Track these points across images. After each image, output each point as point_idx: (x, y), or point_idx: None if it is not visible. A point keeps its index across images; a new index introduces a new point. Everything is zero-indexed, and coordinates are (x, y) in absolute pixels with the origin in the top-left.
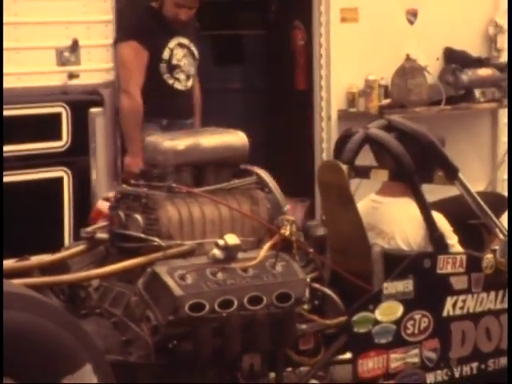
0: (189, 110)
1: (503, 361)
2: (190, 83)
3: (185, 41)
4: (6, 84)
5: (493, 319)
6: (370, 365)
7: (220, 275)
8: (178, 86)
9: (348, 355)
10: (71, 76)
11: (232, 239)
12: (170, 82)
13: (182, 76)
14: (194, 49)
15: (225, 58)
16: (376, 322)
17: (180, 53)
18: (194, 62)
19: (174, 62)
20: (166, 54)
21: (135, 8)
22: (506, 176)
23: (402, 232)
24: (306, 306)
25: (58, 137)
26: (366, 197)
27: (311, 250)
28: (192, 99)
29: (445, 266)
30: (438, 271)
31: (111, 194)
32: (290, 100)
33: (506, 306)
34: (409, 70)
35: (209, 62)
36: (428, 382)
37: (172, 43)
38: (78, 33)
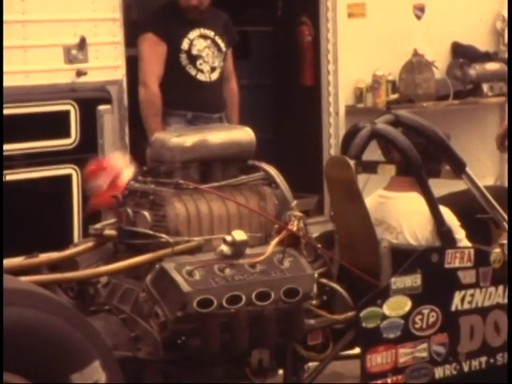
0: (216, 104)
1: None
2: (215, 75)
3: (209, 32)
4: (13, 82)
5: (501, 313)
6: (379, 360)
7: (228, 271)
8: (202, 77)
9: (356, 350)
10: (79, 73)
11: (239, 235)
12: (193, 72)
13: (205, 67)
14: (219, 41)
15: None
16: (384, 317)
17: (202, 43)
18: (219, 53)
19: (195, 52)
20: (184, 45)
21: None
22: None
23: (410, 227)
24: (314, 302)
25: (67, 134)
26: (374, 192)
27: (319, 246)
28: (220, 93)
29: (453, 260)
30: (446, 266)
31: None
32: (298, 96)
33: None
34: (416, 65)
35: None
36: (437, 376)
37: (192, 34)
38: (86, 30)
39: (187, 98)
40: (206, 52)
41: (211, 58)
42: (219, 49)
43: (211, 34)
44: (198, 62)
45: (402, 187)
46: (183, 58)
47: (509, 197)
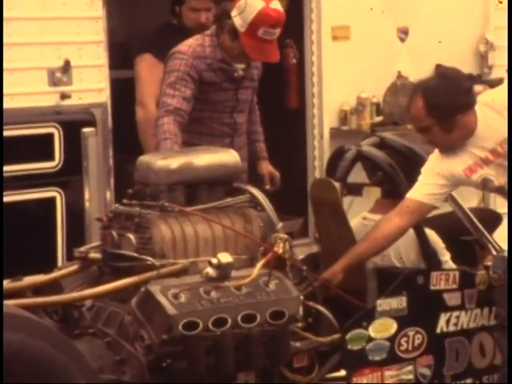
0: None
1: (497, 377)
2: None
3: None
4: None
5: (486, 335)
6: (365, 382)
7: (213, 294)
8: None
9: (342, 372)
10: (63, 96)
11: (225, 257)
12: None
13: None
14: None
15: None
16: (370, 339)
17: None
18: None
19: None
20: None
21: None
22: None
23: (395, 249)
24: (299, 324)
25: (51, 157)
26: (358, 215)
27: (304, 268)
28: None
29: (438, 282)
30: (432, 288)
31: None
32: (282, 118)
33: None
34: (400, 88)
35: None
36: None
37: None
38: (70, 53)
39: None
40: None
41: None
42: None
43: None
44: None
45: (386, 210)
46: None
47: (509, 196)
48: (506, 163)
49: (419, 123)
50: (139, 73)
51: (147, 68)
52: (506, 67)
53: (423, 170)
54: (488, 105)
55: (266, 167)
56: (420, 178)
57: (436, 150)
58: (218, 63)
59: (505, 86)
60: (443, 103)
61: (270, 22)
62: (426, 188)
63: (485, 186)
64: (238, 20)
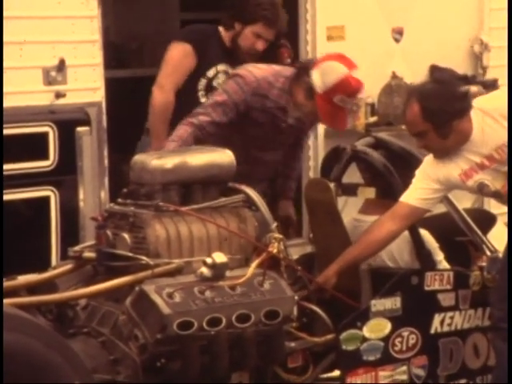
0: None
1: (491, 377)
2: None
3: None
4: None
5: (480, 336)
6: (359, 382)
7: (208, 293)
8: None
9: (336, 373)
10: (58, 95)
11: (220, 257)
12: (202, 100)
13: None
14: None
15: None
16: (364, 339)
17: (223, 79)
18: None
19: (215, 83)
20: (210, 72)
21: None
22: None
23: (388, 250)
24: (294, 324)
25: (45, 156)
26: (350, 216)
27: (299, 268)
28: None
29: (432, 282)
30: (426, 288)
31: None
32: None
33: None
34: (395, 88)
35: None
36: None
37: (221, 66)
38: (65, 52)
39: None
40: None
41: None
42: None
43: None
44: (211, 94)
45: (378, 211)
46: (202, 82)
47: (509, 197)
48: (504, 169)
49: (415, 128)
50: (171, 57)
51: (182, 56)
52: (506, 67)
53: (417, 173)
54: (483, 110)
55: (285, 209)
56: (414, 181)
57: (430, 154)
58: (276, 110)
59: (499, 92)
60: (439, 108)
61: (350, 91)
62: (420, 192)
63: (481, 190)
64: (318, 81)
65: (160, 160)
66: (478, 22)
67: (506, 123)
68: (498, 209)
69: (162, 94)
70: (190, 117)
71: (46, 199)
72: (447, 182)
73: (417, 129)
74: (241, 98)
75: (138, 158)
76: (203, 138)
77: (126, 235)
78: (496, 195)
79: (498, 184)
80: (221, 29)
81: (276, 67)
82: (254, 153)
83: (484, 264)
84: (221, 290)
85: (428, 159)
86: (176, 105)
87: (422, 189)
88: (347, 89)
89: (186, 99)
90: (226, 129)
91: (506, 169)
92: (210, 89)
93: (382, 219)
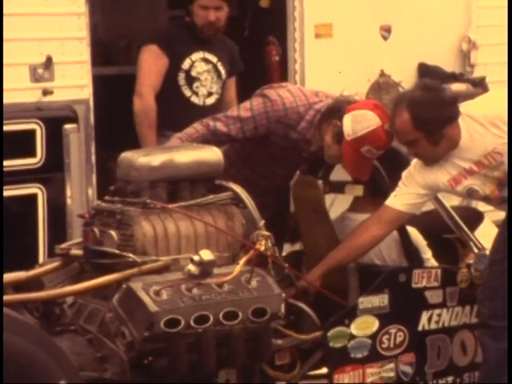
0: None
1: (478, 375)
2: (210, 100)
3: (212, 57)
4: None
5: (468, 333)
6: (346, 379)
7: (195, 291)
8: (195, 100)
9: (324, 370)
10: (45, 92)
11: (207, 255)
12: (187, 94)
13: (202, 91)
14: (221, 68)
15: None
16: (352, 337)
17: (203, 66)
18: (218, 80)
19: (194, 73)
20: (185, 64)
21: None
22: None
23: (376, 248)
24: (281, 321)
25: (33, 153)
26: (338, 214)
27: (286, 265)
28: None
29: (420, 280)
30: (413, 285)
31: None
32: None
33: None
34: (383, 86)
35: None
36: None
37: (195, 55)
38: (52, 49)
39: (179, 119)
40: (205, 76)
41: (209, 83)
42: (219, 75)
43: (214, 59)
44: (194, 85)
45: (366, 209)
46: (181, 77)
47: (509, 197)
48: (493, 174)
49: (406, 137)
50: (142, 63)
51: (151, 59)
52: (506, 67)
53: (404, 177)
54: (471, 117)
55: None
56: (400, 185)
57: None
58: (299, 141)
59: (487, 97)
60: (430, 116)
61: (379, 143)
62: (406, 197)
63: (470, 196)
64: (348, 127)
65: (147, 157)
66: (466, 20)
67: (495, 130)
68: (485, 206)
69: (140, 101)
70: (210, 118)
71: (34, 196)
72: (435, 187)
73: (408, 137)
74: (263, 122)
75: (125, 155)
76: (214, 144)
77: (113, 232)
78: (485, 200)
79: (487, 189)
80: (187, 19)
81: (308, 94)
82: (273, 168)
83: (471, 261)
84: (208, 287)
85: (415, 164)
86: (164, 105)
87: (409, 194)
88: (376, 142)
89: (170, 97)
90: (247, 143)
91: (495, 174)
92: (190, 80)
93: (366, 223)
